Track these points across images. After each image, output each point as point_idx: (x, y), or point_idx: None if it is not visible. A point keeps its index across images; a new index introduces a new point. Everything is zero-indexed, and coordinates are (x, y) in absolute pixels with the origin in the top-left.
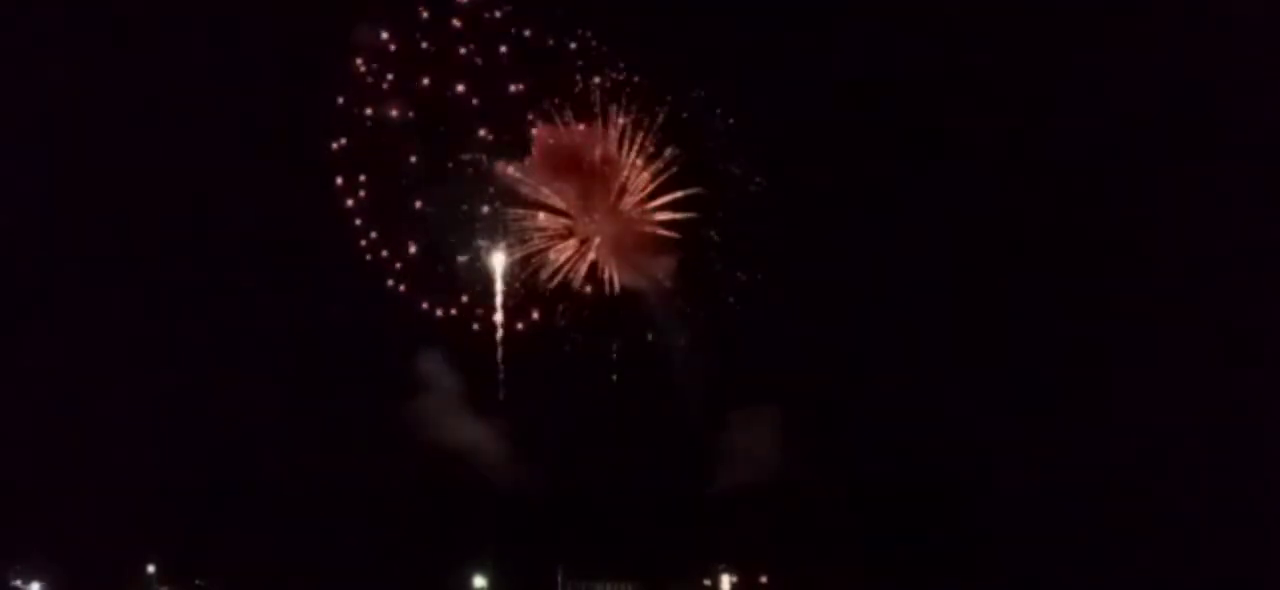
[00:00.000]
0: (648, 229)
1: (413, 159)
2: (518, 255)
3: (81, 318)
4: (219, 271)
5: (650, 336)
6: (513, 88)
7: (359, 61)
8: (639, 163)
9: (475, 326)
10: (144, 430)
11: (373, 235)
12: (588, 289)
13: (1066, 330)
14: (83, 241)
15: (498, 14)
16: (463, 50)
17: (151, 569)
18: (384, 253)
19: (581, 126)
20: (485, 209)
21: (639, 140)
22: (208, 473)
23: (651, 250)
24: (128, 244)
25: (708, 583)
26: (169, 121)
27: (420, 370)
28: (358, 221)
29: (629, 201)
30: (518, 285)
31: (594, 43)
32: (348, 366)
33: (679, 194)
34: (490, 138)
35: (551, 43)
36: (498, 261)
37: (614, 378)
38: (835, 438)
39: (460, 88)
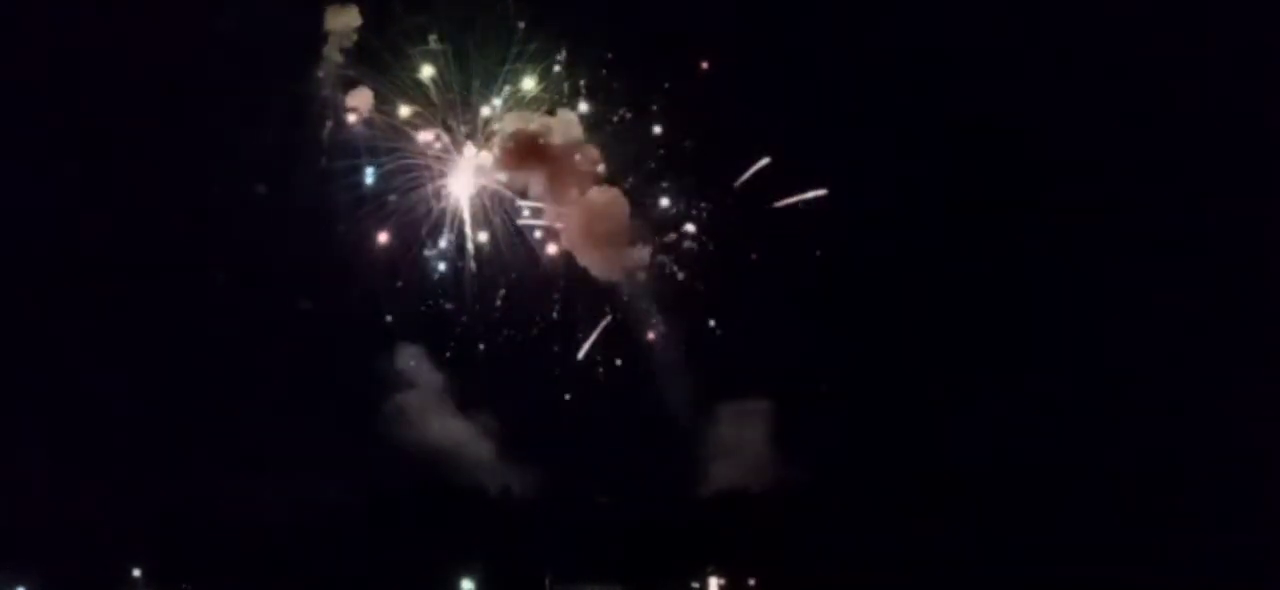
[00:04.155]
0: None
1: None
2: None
3: (63, 319)
4: (200, 271)
5: (631, 331)
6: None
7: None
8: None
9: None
10: (128, 432)
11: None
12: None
13: (1059, 329)
14: (60, 243)
15: None
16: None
17: (137, 573)
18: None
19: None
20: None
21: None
22: (193, 475)
23: (625, 240)
24: (106, 246)
25: (696, 585)
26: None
27: (403, 369)
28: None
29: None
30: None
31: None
32: (332, 366)
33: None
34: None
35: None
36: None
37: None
38: (824, 437)
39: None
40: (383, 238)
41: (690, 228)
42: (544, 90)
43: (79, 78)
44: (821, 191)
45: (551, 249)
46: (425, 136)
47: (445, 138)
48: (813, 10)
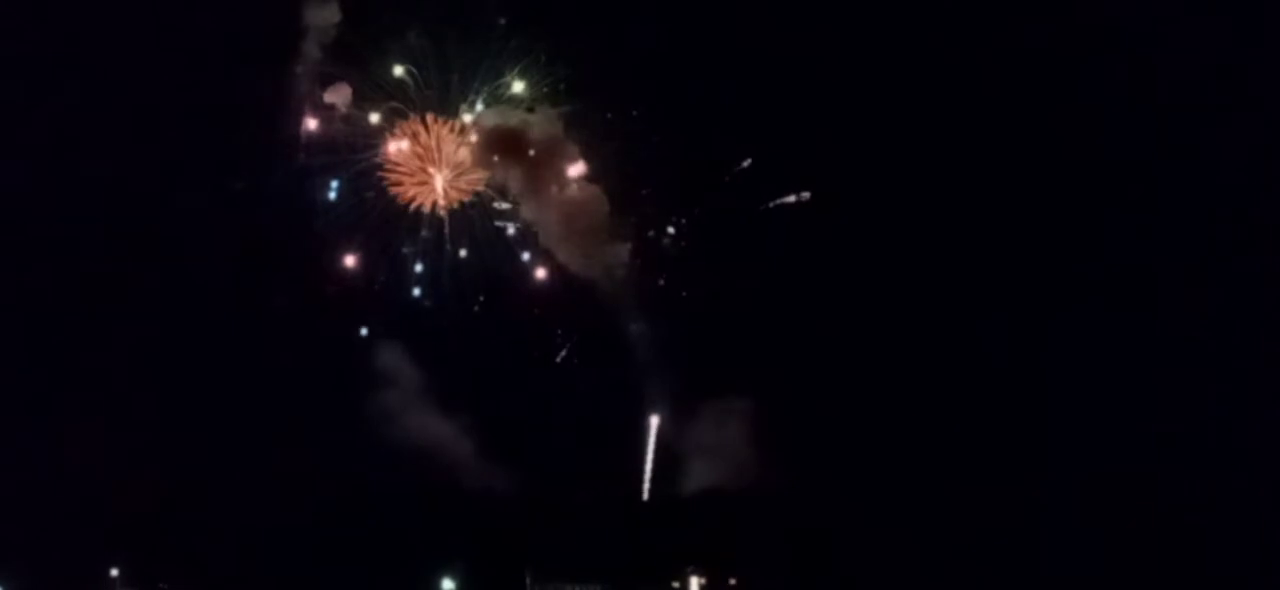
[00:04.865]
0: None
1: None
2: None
3: (40, 320)
4: (177, 271)
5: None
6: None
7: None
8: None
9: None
10: (106, 431)
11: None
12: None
13: (1044, 327)
14: (36, 242)
15: None
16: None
17: (115, 572)
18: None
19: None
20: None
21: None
22: (171, 474)
23: (605, 238)
24: (83, 245)
25: (676, 584)
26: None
27: (383, 368)
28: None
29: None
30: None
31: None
32: (312, 364)
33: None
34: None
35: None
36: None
37: (569, 360)
38: (805, 437)
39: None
40: (361, 235)
41: (670, 228)
42: (524, 88)
43: (56, 75)
44: (805, 192)
45: (531, 247)
46: (404, 133)
47: (425, 134)
48: (798, 10)
